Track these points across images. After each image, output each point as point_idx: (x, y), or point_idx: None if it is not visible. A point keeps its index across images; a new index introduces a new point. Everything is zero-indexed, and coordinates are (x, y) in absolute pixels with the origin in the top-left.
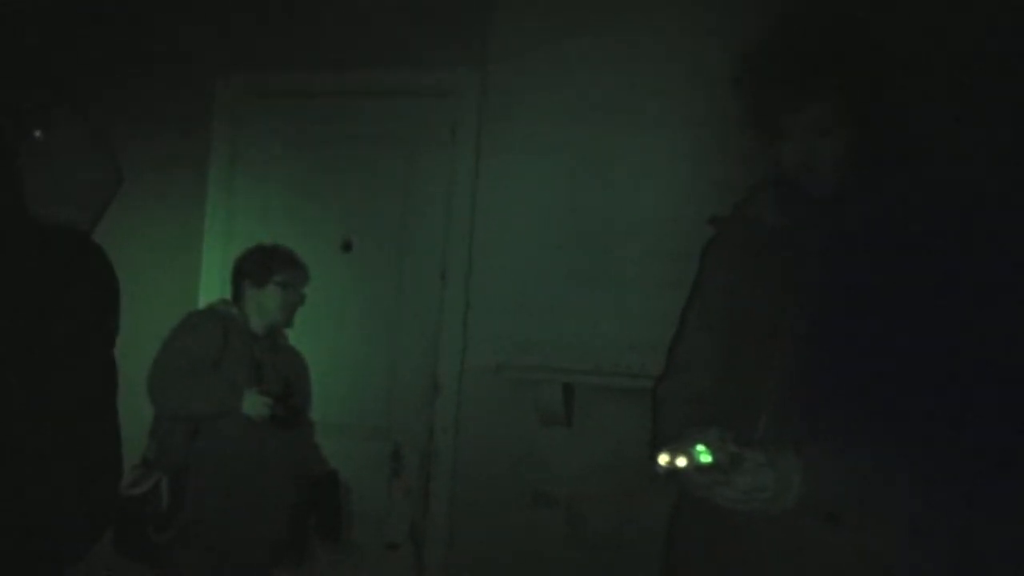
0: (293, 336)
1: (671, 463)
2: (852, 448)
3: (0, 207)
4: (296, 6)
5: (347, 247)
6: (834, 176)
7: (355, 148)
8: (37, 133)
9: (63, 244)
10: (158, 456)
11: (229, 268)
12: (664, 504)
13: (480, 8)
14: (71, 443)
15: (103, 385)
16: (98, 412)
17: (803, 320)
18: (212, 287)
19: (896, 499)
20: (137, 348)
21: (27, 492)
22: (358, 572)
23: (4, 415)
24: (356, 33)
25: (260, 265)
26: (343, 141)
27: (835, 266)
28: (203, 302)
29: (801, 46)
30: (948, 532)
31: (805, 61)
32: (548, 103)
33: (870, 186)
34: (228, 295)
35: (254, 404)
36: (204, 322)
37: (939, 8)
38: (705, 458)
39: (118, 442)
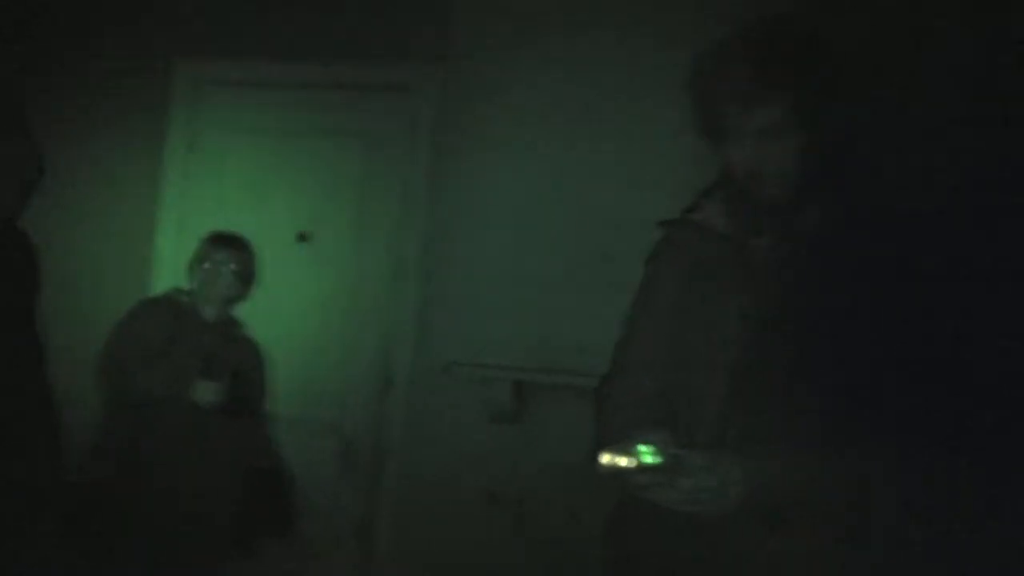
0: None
1: (613, 463)
2: (795, 450)
3: None
4: None
5: (303, 238)
6: (783, 183)
7: (314, 140)
8: None
9: None
10: (107, 443)
11: (183, 257)
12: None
13: (442, 6)
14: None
15: (30, 364)
16: (27, 391)
17: (751, 327)
18: (165, 275)
19: (837, 500)
20: (89, 335)
21: None
22: (305, 566)
23: None
24: (318, 25)
25: (199, 249)
26: (302, 133)
27: (784, 273)
28: (156, 290)
29: (753, 48)
30: (888, 533)
31: (757, 62)
32: (507, 102)
33: (820, 193)
34: (182, 284)
35: (202, 391)
36: (154, 309)
37: (894, 12)
38: (647, 459)
39: (53, 423)
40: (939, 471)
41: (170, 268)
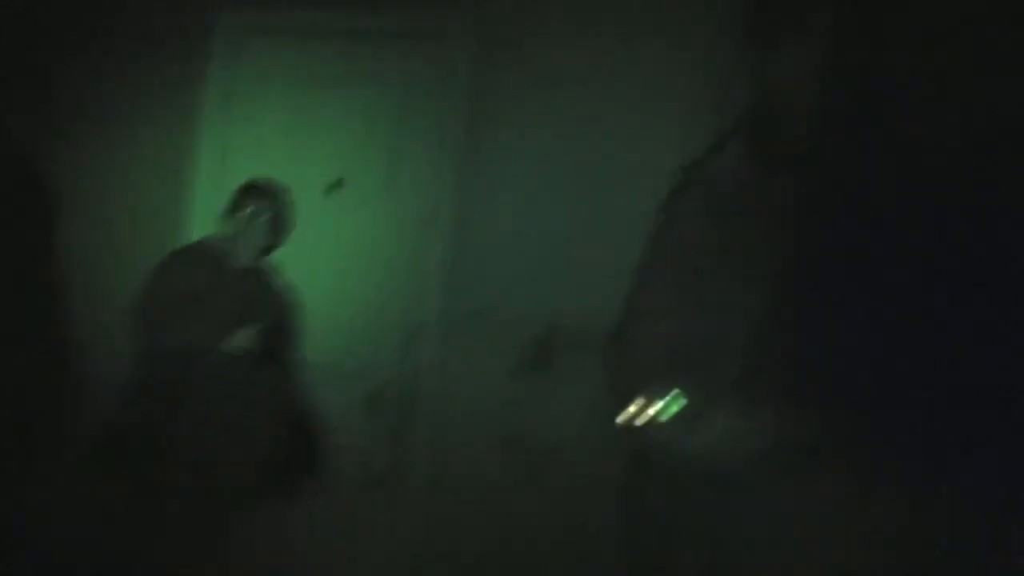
0: (280, 274)
1: (642, 412)
2: (823, 394)
3: None
4: None
5: (338, 185)
6: (820, 99)
7: (349, 88)
8: None
9: None
10: (143, 389)
11: (220, 204)
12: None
13: None
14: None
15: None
16: (45, 328)
17: (775, 271)
18: (202, 222)
19: (867, 442)
20: (126, 280)
21: None
22: (337, 508)
23: None
24: None
25: (237, 198)
26: (338, 81)
27: (806, 217)
28: (194, 236)
29: None
30: (916, 478)
31: None
32: (545, 52)
33: (844, 142)
34: (219, 230)
35: (237, 339)
36: (187, 257)
37: None
38: (674, 407)
39: (71, 362)
40: (960, 421)
41: (207, 215)
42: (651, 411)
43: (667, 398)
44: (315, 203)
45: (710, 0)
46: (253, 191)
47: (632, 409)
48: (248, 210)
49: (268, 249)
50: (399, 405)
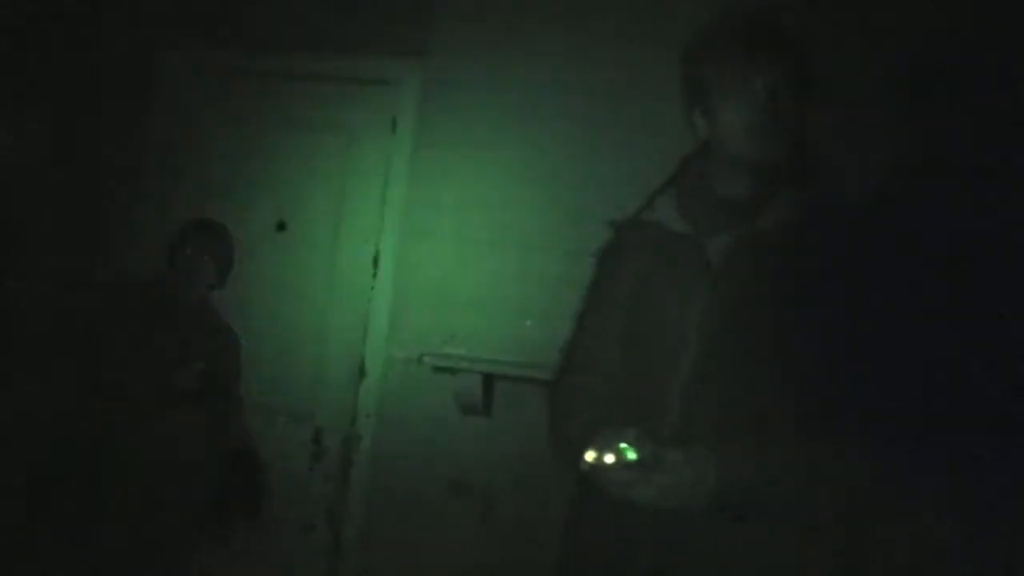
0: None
1: (599, 460)
2: (756, 449)
3: None
4: None
5: (281, 227)
6: (779, 145)
7: (296, 131)
8: None
9: None
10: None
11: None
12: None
13: (423, 2)
14: None
15: None
16: None
17: (711, 325)
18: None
19: (798, 497)
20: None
21: None
22: (275, 551)
23: None
24: (300, 16)
25: (179, 234)
26: (284, 123)
27: (741, 271)
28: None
29: (756, 22)
30: (846, 529)
31: (762, 29)
32: (486, 99)
33: (785, 188)
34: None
35: (179, 377)
36: (129, 294)
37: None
38: (631, 455)
39: None
40: (902, 464)
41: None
42: (611, 458)
43: (626, 446)
44: (260, 244)
45: (654, 58)
46: (198, 229)
47: (594, 455)
48: (192, 247)
49: (212, 287)
50: (342, 448)
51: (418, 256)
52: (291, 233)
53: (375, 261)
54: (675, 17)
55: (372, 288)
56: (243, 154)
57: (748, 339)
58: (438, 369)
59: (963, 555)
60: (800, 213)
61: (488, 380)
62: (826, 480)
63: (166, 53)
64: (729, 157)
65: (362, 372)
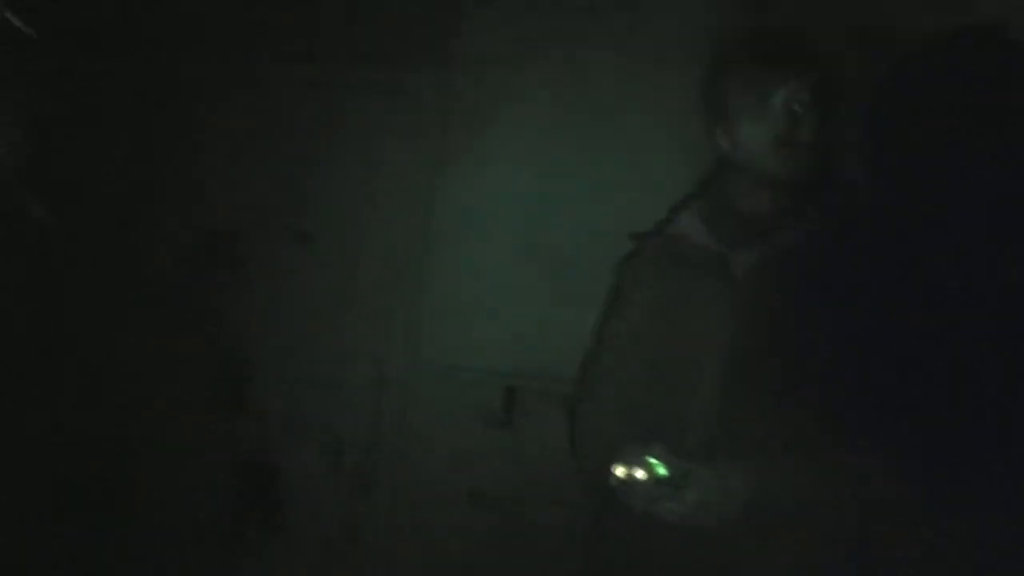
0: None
1: (629, 475)
2: (785, 464)
3: None
4: None
5: (303, 239)
6: (801, 160)
7: (318, 142)
8: None
9: None
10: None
11: None
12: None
13: (447, 11)
14: None
15: None
16: None
17: (733, 338)
18: None
19: (831, 513)
20: None
21: None
22: (296, 563)
23: None
24: (321, 27)
25: None
26: (306, 133)
27: (766, 285)
28: None
29: (777, 37)
30: (878, 538)
31: (783, 44)
32: (510, 110)
33: (807, 207)
34: None
35: None
36: None
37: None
38: (662, 471)
39: None
40: (929, 477)
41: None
42: (641, 474)
43: (655, 462)
44: (283, 255)
45: (683, 68)
46: None
47: (623, 471)
48: None
49: None
50: (363, 458)
51: (440, 268)
52: (313, 244)
53: (397, 273)
54: (697, 28)
55: (394, 299)
56: (265, 164)
57: (773, 353)
58: (460, 381)
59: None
60: (824, 227)
61: (510, 392)
62: (855, 494)
63: (190, 64)
64: (750, 173)
65: (384, 383)
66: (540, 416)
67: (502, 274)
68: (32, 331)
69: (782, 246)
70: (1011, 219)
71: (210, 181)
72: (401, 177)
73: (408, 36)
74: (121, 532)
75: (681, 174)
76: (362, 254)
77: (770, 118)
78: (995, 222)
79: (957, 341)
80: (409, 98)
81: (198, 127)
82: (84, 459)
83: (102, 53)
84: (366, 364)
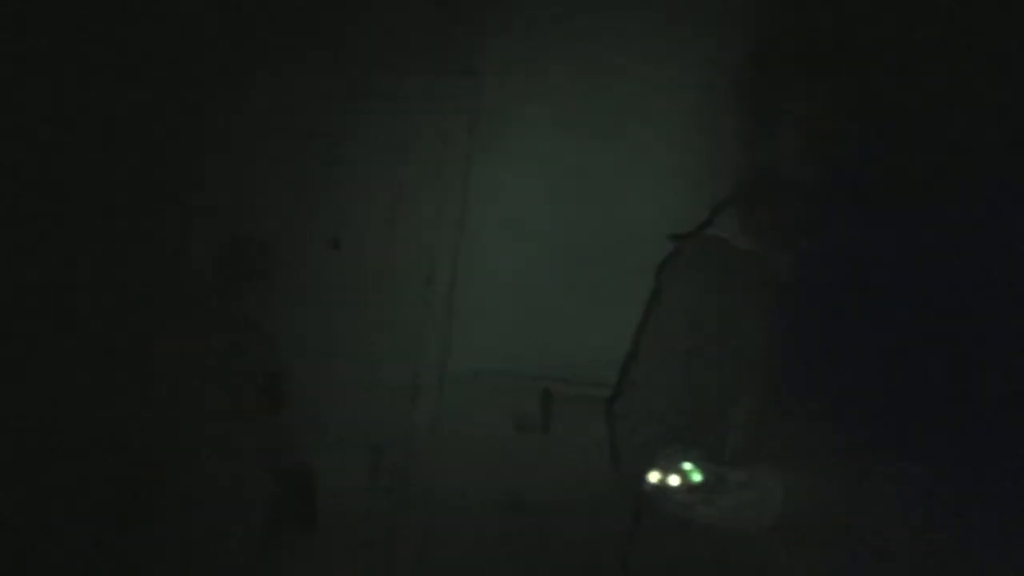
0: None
1: (663, 481)
2: (826, 469)
3: None
4: (290, 6)
5: (336, 244)
6: (832, 166)
7: (349, 148)
8: None
9: None
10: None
11: None
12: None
13: (474, 17)
14: None
15: None
16: None
17: (774, 342)
18: None
19: (866, 519)
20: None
21: None
22: (331, 568)
23: None
24: (351, 35)
25: None
26: (338, 140)
27: (806, 287)
28: None
29: (808, 44)
30: (913, 552)
31: (814, 52)
32: (539, 114)
33: (846, 207)
34: None
35: None
36: None
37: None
38: (696, 476)
39: None
40: (971, 487)
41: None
42: (676, 480)
43: (690, 468)
44: (315, 261)
45: (712, 72)
46: None
47: (658, 477)
48: None
49: None
50: (398, 464)
51: (473, 272)
52: (345, 250)
53: (429, 278)
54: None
55: (427, 305)
56: (297, 171)
57: (814, 356)
58: (494, 385)
59: None
60: (861, 230)
61: (545, 397)
62: (896, 499)
63: (222, 73)
64: (783, 180)
65: (418, 389)
66: (575, 420)
67: (535, 277)
68: (71, 336)
69: (821, 248)
70: None
71: (246, 187)
72: (432, 182)
73: (436, 43)
74: (157, 534)
75: (717, 175)
76: (393, 260)
77: (802, 126)
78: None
79: (1010, 345)
80: (439, 103)
81: (236, 135)
82: (121, 461)
83: (130, 60)
84: (400, 369)
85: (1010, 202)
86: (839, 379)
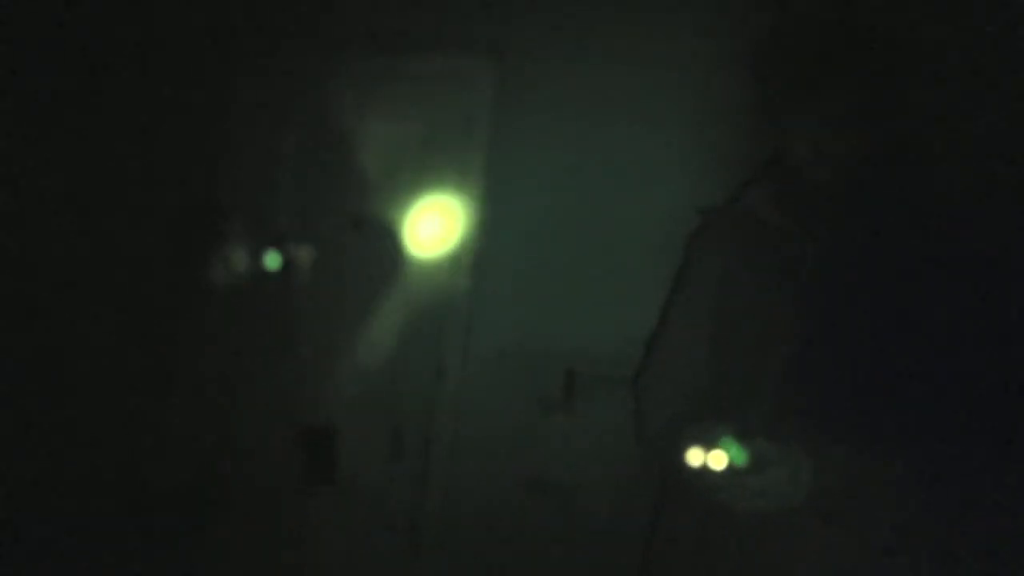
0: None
1: (703, 461)
2: (853, 448)
3: None
4: None
5: (358, 225)
6: (842, 167)
7: (371, 129)
8: None
9: None
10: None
11: None
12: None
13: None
14: None
15: None
16: None
17: (803, 319)
18: None
19: (895, 497)
20: None
21: None
22: (355, 552)
23: None
24: (372, 14)
25: None
26: (359, 121)
27: (836, 266)
28: None
29: (824, 37)
30: (939, 534)
31: (830, 44)
32: (563, 94)
33: (874, 189)
34: None
35: None
36: None
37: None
38: (737, 454)
39: None
40: (994, 469)
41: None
42: (716, 459)
43: (730, 445)
44: (337, 242)
45: (733, 49)
46: None
47: (698, 456)
48: None
49: None
50: (421, 445)
51: (496, 252)
52: (367, 230)
53: (452, 258)
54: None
55: (450, 285)
56: (319, 152)
57: (842, 333)
58: (517, 366)
59: None
60: (890, 213)
61: (569, 376)
62: (922, 481)
63: (245, 56)
64: (802, 174)
65: (441, 369)
66: (599, 401)
67: (560, 256)
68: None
69: (852, 225)
70: None
71: (267, 167)
72: (455, 163)
73: (462, 25)
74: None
75: (740, 153)
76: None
77: (818, 121)
78: None
79: None
80: (463, 85)
81: (259, 117)
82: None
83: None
84: (423, 351)
85: None
86: (867, 357)
